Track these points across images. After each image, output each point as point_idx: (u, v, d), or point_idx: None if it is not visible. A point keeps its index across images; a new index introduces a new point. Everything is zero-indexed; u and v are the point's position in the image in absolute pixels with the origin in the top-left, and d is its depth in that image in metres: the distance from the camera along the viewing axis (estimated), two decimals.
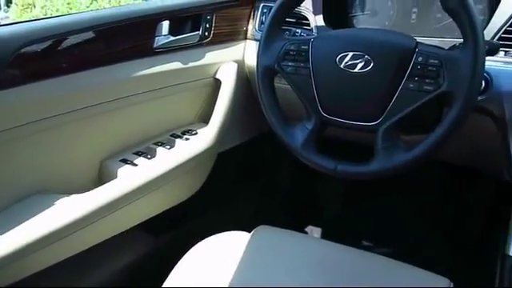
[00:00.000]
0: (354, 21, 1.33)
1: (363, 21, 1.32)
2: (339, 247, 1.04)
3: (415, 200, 1.71)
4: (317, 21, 1.25)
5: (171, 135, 1.29)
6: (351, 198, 1.85)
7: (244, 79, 1.40)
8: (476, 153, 1.17)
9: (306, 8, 1.26)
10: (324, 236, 1.77)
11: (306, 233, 1.78)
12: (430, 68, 0.84)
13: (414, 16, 1.24)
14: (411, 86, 0.86)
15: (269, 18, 0.99)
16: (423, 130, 0.88)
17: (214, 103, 1.31)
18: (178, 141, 1.27)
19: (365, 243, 1.71)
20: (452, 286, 0.94)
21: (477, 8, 1.13)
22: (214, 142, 1.27)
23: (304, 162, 0.99)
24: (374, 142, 0.91)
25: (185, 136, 1.29)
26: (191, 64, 1.26)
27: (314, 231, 1.80)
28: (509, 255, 0.99)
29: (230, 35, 1.38)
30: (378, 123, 0.90)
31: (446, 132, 0.83)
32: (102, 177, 1.19)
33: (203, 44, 1.30)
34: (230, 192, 1.65)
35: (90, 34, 1.06)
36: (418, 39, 0.93)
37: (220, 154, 1.40)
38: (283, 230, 1.09)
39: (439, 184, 1.74)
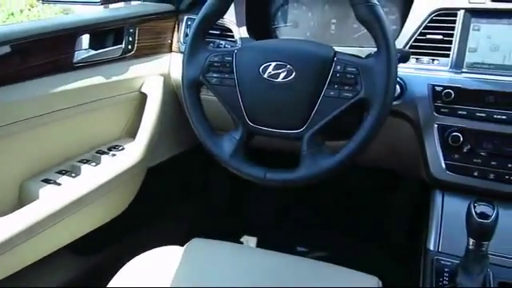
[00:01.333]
0: (277, 32, 1.37)
1: (286, 32, 1.35)
2: (272, 254, 1.05)
3: (344, 204, 1.77)
4: (241, 32, 1.27)
5: (97, 152, 1.25)
6: (284, 206, 1.88)
7: (171, 92, 1.39)
8: (396, 155, 1.23)
9: (230, 20, 1.28)
10: (259, 245, 1.79)
11: (242, 243, 1.78)
12: (348, 76, 0.88)
13: (333, 27, 1.30)
14: (332, 93, 0.89)
15: (192, 30, 0.99)
16: (347, 135, 0.92)
17: (141, 118, 1.29)
18: (104, 157, 1.23)
19: (299, 249, 1.74)
20: (380, 284, 0.98)
21: (389, 18, 1.22)
22: (142, 157, 1.24)
23: (233, 172, 0.99)
24: (299, 148, 0.93)
25: (111, 152, 1.25)
26: (115, 78, 1.23)
27: (250, 241, 1.81)
28: (429, 249, 1.05)
29: (154, 48, 1.37)
30: (303, 130, 0.92)
31: (366, 136, 0.87)
32: (23, 198, 1.12)
33: (126, 58, 1.28)
34: (162, 207, 1.62)
35: (3, 50, 1.01)
36: (338, 49, 0.97)
37: (150, 169, 1.37)
38: (217, 241, 1.09)
39: (366, 187, 1.81)
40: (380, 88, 0.85)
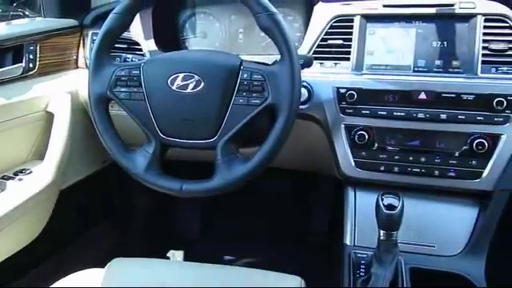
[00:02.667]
0: (187, 43, 1.37)
1: (195, 43, 1.36)
2: (198, 266, 1.04)
3: (266, 209, 1.80)
4: (149, 45, 1.26)
5: (2, 177, 1.17)
6: (208, 217, 1.87)
7: (80, 110, 1.34)
8: (310, 156, 1.27)
9: (137, 33, 1.26)
10: (187, 259, 1.76)
11: (168, 258, 1.75)
12: (255, 83, 0.90)
13: (241, 36, 1.32)
14: (241, 101, 0.91)
15: (95, 45, 0.97)
16: (260, 141, 0.94)
17: (49, 138, 1.23)
18: (9, 183, 1.15)
19: (226, 258, 1.74)
20: (303, 284, 1.00)
21: (294, 26, 1.27)
22: (52, 179, 1.18)
23: (149, 187, 0.98)
24: (214, 158, 0.94)
25: (18, 177, 1.18)
26: (16, 98, 1.16)
27: (177, 255, 1.78)
28: (346, 244, 1.10)
29: (59, 65, 1.32)
30: (216, 139, 0.93)
31: (276, 141, 0.89)
32: None
33: (28, 76, 1.21)
34: (80, 229, 1.55)
35: None
36: (247, 57, 0.99)
37: (63, 191, 1.31)
38: (140, 259, 1.06)
39: (288, 188, 1.86)
40: (286, 93, 0.88)
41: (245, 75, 0.91)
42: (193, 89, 0.92)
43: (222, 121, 0.92)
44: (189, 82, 0.92)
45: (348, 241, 1.10)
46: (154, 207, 1.83)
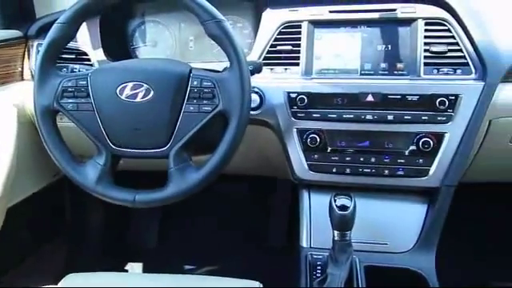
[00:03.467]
0: (137, 52, 1.35)
1: (145, 52, 1.35)
2: (156, 277, 1.03)
3: (225, 215, 1.80)
4: (97, 55, 1.24)
5: None
6: (166, 227, 1.85)
7: (27, 123, 1.29)
8: (265, 161, 1.28)
9: (85, 43, 1.24)
10: (146, 270, 1.73)
11: (126, 271, 1.71)
12: (205, 90, 0.91)
13: (191, 44, 1.32)
14: (191, 108, 0.91)
15: (39, 55, 0.95)
16: (213, 148, 0.94)
17: None
18: None
19: (187, 267, 1.73)
20: (261, 286, 1.01)
21: (243, 33, 1.28)
22: None
23: (101, 199, 0.96)
24: (167, 166, 0.93)
25: None
26: None
27: (135, 268, 1.75)
28: (302, 246, 1.11)
29: (4, 77, 1.27)
30: (168, 148, 0.92)
31: (229, 147, 0.90)
32: None
33: None
34: (30, 246, 1.50)
35: None
36: (199, 65, 0.99)
37: (10, 209, 1.26)
38: (95, 273, 1.03)
39: (245, 195, 1.87)
40: (236, 99, 0.89)
41: (195, 82, 0.91)
42: (142, 98, 0.91)
43: (173, 129, 0.92)
44: (138, 91, 0.91)
45: (304, 243, 1.12)
46: (110, 220, 1.79)
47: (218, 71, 0.96)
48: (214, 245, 1.74)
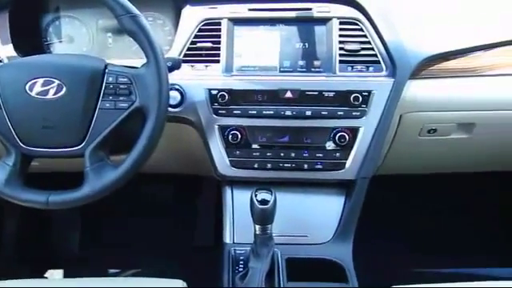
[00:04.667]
0: (52, 48, 1.29)
1: (61, 48, 1.29)
2: (76, 281, 0.99)
3: (150, 216, 1.77)
4: (7, 51, 1.17)
5: None
6: (88, 230, 1.79)
7: None
8: (188, 159, 1.28)
9: None
10: (67, 276, 1.66)
11: (46, 278, 1.63)
12: (121, 86, 0.89)
13: (110, 40, 1.29)
14: (107, 105, 0.89)
15: None
16: (132, 146, 0.92)
17: None
18: None
19: (111, 271, 1.68)
20: (185, 285, 1.00)
21: (164, 30, 1.26)
22: None
23: (12, 202, 0.91)
24: (83, 166, 0.90)
25: None
26: None
27: (56, 275, 1.67)
28: (226, 242, 1.12)
29: None
30: (83, 146, 0.90)
31: (147, 144, 0.89)
32: None
33: None
34: None
35: None
36: (118, 62, 0.97)
37: None
38: (8, 281, 0.98)
39: (171, 194, 1.84)
40: (153, 95, 0.88)
41: (110, 78, 0.89)
42: (54, 94, 0.87)
43: (88, 127, 0.89)
44: (49, 87, 0.87)
45: (227, 239, 1.13)
46: (27, 226, 1.70)
47: (135, 67, 0.95)
48: (139, 247, 1.71)
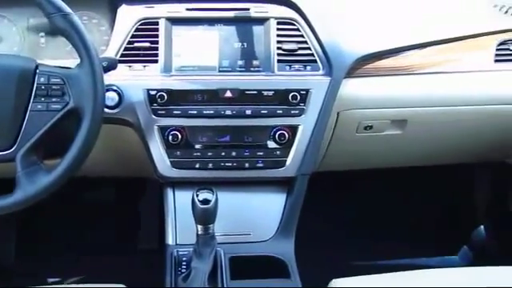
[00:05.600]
0: None
1: None
2: None
3: (92, 222, 1.72)
4: None
5: None
6: (25, 240, 1.71)
7: None
8: (129, 161, 1.25)
9: None
10: None
11: None
12: (53, 87, 0.86)
13: (43, 40, 1.24)
14: (39, 106, 0.86)
15: None
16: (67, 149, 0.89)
17: None
18: None
19: (50, 280, 1.61)
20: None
21: (100, 29, 1.23)
22: None
23: None
24: (14, 170, 0.87)
25: None
26: None
27: None
28: (168, 244, 1.11)
29: None
30: (14, 150, 0.86)
31: (82, 146, 0.86)
32: None
33: None
34: None
35: None
36: (51, 62, 0.93)
37: None
38: None
39: (114, 198, 1.80)
40: (88, 96, 0.86)
41: (42, 79, 0.86)
42: None
43: (19, 129, 0.86)
44: None
45: (170, 241, 1.11)
46: None
47: (69, 68, 0.92)
48: (81, 254, 1.65)
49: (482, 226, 1.72)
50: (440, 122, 1.29)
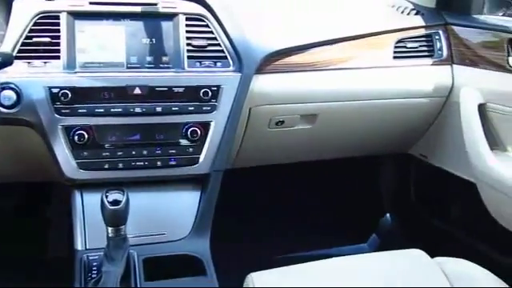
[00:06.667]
0: None
1: None
2: None
3: None
4: None
5: None
6: None
7: None
8: (32, 165, 1.17)
9: None
10: None
11: None
12: None
13: None
14: None
15: None
16: None
17: None
18: None
19: None
20: None
21: None
22: None
23: None
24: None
25: None
26: None
27: None
28: (77, 250, 1.05)
29: None
30: None
31: None
32: None
33: None
34: None
35: None
36: None
37: None
38: None
39: (18, 208, 1.68)
40: None
41: None
42: None
43: None
44: None
45: (79, 246, 1.06)
46: None
47: None
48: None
49: (388, 214, 1.83)
50: (348, 116, 1.35)
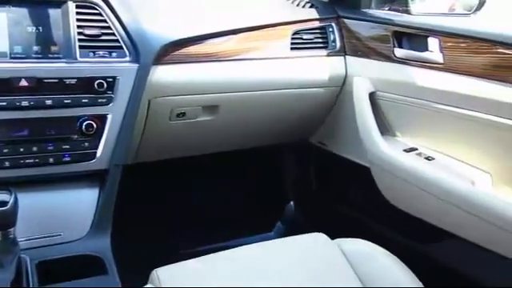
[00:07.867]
0: None
1: None
2: None
3: None
4: None
5: None
6: None
7: None
8: None
9: None
10: None
11: None
12: None
13: None
14: None
15: None
16: None
17: None
18: None
19: None
20: None
21: None
22: None
23: None
24: None
25: None
26: None
27: None
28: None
29: None
30: None
31: None
32: None
33: None
34: None
35: None
36: None
37: None
38: None
39: None
40: None
41: None
42: None
43: None
44: None
45: None
46: None
47: None
48: None
49: (292, 202, 1.88)
50: (249, 107, 1.36)
